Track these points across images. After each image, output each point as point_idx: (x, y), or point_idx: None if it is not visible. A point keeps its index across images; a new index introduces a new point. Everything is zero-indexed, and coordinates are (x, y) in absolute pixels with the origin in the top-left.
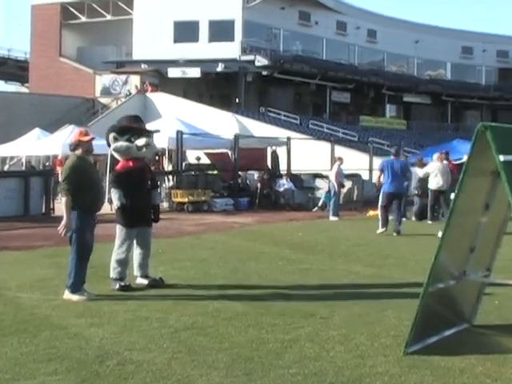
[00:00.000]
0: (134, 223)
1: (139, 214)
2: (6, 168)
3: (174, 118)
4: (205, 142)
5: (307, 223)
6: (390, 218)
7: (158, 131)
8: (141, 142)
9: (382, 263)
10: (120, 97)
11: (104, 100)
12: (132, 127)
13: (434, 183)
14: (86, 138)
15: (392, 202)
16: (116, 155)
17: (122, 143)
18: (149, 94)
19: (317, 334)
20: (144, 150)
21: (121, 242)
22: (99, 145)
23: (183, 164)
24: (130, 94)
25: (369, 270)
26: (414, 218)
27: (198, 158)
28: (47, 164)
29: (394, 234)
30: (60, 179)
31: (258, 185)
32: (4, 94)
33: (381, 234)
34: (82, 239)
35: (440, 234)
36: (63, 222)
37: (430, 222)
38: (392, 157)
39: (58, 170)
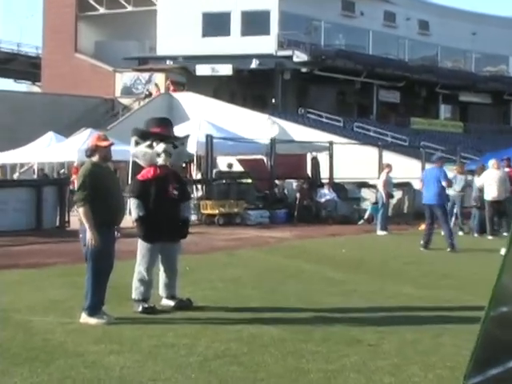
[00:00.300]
0: (155, 237)
1: (161, 228)
2: (15, 176)
3: (203, 121)
4: (237, 147)
5: (352, 238)
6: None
7: (188, 136)
8: (159, 148)
9: (436, 284)
10: (142, 97)
11: (125, 101)
12: (154, 132)
13: (490, 193)
14: (104, 144)
15: (432, 213)
16: (139, 162)
17: (140, 149)
18: (175, 94)
19: (364, 363)
20: (163, 156)
21: (141, 259)
22: (119, 150)
23: (213, 172)
24: (150, 94)
25: (422, 291)
26: (475, 233)
27: (230, 165)
28: (62, 172)
29: (448, 250)
30: (75, 189)
31: (297, 195)
32: (13, 94)
33: (435, 251)
34: (99, 256)
35: (503, 251)
36: (88, 235)
37: (490, 236)
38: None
39: (74, 178)
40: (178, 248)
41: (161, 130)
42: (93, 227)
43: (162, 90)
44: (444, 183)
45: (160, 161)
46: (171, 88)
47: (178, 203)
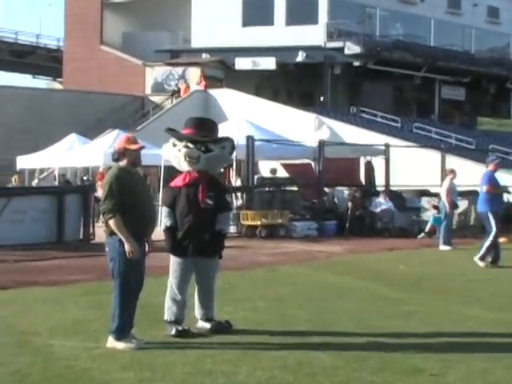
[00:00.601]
0: (185, 251)
1: (191, 241)
2: (34, 183)
3: (243, 121)
4: (282, 150)
5: (411, 253)
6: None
7: (228, 139)
8: (181, 152)
9: (507, 305)
10: (169, 94)
11: (156, 98)
12: (185, 133)
13: None
14: (134, 147)
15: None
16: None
17: (172, 152)
18: (212, 91)
19: None
20: (187, 161)
21: (173, 274)
22: (150, 154)
23: (255, 178)
24: (178, 92)
25: (491, 313)
26: None
27: (274, 171)
28: (86, 178)
29: (475, 260)
30: (101, 197)
31: (349, 204)
32: (32, 91)
33: (505, 268)
34: (127, 272)
35: None
36: (127, 248)
37: None
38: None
39: (100, 185)
40: (215, 265)
41: (191, 131)
42: (129, 238)
43: (195, 87)
44: (485, 187)
45: (185, 166)
46: (202, 83)
47: (212, 214)
